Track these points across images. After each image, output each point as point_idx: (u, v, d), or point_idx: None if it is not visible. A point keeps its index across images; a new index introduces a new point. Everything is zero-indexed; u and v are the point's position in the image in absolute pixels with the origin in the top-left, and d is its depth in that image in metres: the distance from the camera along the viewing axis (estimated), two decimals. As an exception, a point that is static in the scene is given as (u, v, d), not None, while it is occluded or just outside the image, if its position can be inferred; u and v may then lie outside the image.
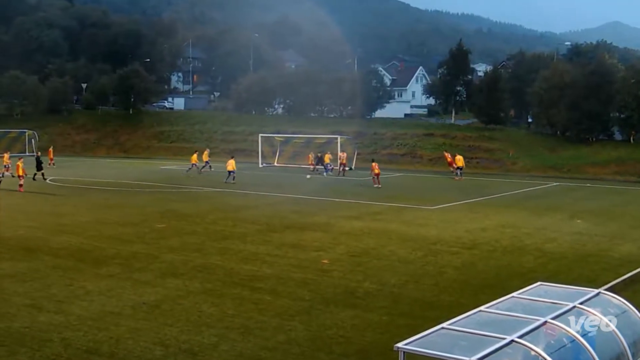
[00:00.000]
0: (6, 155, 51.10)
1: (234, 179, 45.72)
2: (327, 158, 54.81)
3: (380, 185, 43.92)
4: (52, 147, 63.48)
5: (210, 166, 53.73)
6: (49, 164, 55.67)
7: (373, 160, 47.57)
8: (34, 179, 45.15)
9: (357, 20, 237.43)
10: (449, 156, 54.85)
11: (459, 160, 52.07)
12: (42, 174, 46.64)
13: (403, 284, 18.46)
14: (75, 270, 19.58)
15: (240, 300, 16.59)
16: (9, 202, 35.41)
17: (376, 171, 44.61)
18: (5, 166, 49.28)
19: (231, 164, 46.37)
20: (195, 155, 54.58)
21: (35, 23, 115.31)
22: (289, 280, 18.69)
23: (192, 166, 53.12)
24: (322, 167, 55.07)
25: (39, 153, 50.28)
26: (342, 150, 56.61)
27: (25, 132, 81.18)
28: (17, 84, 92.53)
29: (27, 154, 72.79)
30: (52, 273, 19.26)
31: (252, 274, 19.31)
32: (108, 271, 19.54)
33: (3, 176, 44.95)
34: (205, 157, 54.75)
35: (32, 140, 79.67)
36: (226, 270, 19.83)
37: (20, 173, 40.87)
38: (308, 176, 51.68)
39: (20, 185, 40.11)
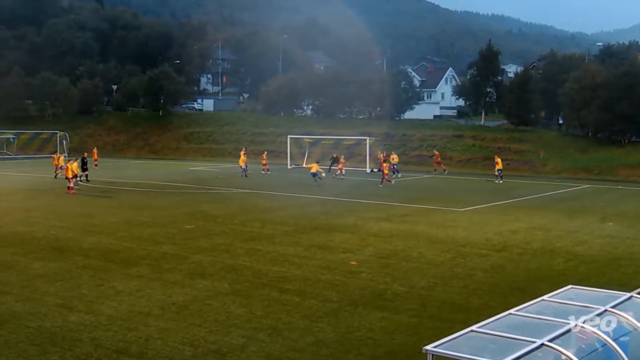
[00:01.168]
0: (61, 157, 51.37)
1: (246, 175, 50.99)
2: (395, 158, 54.22)
3: (382, 186, 44.99)
4: (95, 148, 63.85)
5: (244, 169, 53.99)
6: (94, 166, 56.25)
7: (385, 161, 49.68)
8: (80, 180, 45.57)
9: (387, 21, 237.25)
10: (439, 155, 56.25)
11: (499, 162, 50.98)
12: (86, 176, 47.07)
13: (432, 286, 18.37)
14: (105, 271, 19.73)
15: (269, 302, 16.61)
16: (42, 203, 35.86)
17: (385, 171, 46.68)
18: (60, 167, 49.77)
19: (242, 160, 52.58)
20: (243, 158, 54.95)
21: (67, 25, 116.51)
22: (317, 281, 18.67)
23: (245, 168, 53.52)
24: (334, 168, 55.70)
25: (86, 154, 50.63)
26: (381, 152, 56.36)
27: (56, 133, 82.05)
28: (48, 85, 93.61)
29: (58, 154, 73.63)
30: (82, 273, 19.43)
31: (281, 275, 19.32)
32: (137, 271, 19.66)
33: (56, 177, 45.09)
34: (241, 163, 55.26)
35: (64, 141, 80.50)
36: (254, 271, 19.86)
37: (70, 175, 40.87)
38: (336, 175, 51.80)
39: (69, 188, 39.97)
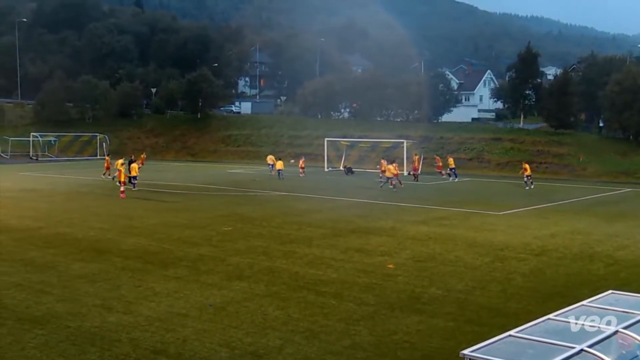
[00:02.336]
0: (119, 161, 51.59)
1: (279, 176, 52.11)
2: (452, 162, 53.85)
3: (395, 189, 44.56)
4: (144, 153, 64.62)
5: (277, 171, 54.48)
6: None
7: (393, 162, 48.73)
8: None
9: (425, 24, 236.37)
10: (440, 160, 55.12)
11: (527, 168, 49.89)
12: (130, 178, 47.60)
13: (469, 290, 18.23)
14: (143, 272, 19.91)
15: (305, 304, 16.62)
16: (82, 205, 36.34)
17: (394, 172, 45.82)
18: (112, 169, 50.45)
19: (279, 164, 54.33)
20: (280, 161, 56.10)
21: (107, 29, 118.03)
22: (354, 284, 18.64)
23: (273, 168, 54.91)
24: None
25: (133, 156, 51.20)
26: (415, 154, 55.96)
27: (96, 135, 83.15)
28: (89, 88, 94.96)
29: (98, 157, 74.68)
30: (121, 274, 19.63)
31: (317, 278, 19.33)
32: (175, 273, 19.81)
33: (114, 179, 45.30)
34: (270, 161, 55.55)
35: (104, 143, 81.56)
36: (291, 273, 19.89)
37: (122, 179, 40.89)
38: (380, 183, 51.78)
39: (122, 192, 39.67)
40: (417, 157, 53.89)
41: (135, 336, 14.11)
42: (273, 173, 55.23)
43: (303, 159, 59.34)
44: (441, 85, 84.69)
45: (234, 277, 19.38)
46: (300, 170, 56.98)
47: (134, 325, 14.81)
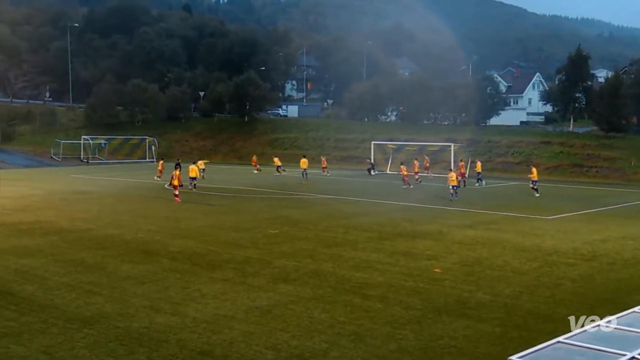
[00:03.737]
0: (199, 163, 52.18)
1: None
2: (479, 166, 53.32)
3: (411, 186, 47.38)
4: (255, 156, 65.95)
5: (302, 171, 56.10)
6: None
7: (402, 164, 51.54)
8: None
9: (473, 26, 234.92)
10: (464, 166, 52.35)
11: (534, 172, 47.61)
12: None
13: (517, 295, 18.01)
14: (191, 274, 20.08)
15: (351, 307, 16.59)
16: (131, 207, 36.83)
17: (404, 173, 48.60)
18: (202, 171, 51.45)
19: (304, 162, 55.74)
20: (305, 159, 57.29)
21: (157, 33, 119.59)
22: (401, 288, 18.56)
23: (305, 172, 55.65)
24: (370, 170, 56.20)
25: (180, 159, 51.83)
26: (461, 160, 55.17)
27: (145, 138, 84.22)
28: (138, 92, 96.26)
29: (147, 159, 75.62)
30: (169, 276, 19.83)
31: (364, 282, 19.29)
32: (222, 275, 19.94)
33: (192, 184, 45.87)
34: (303, 165, 56.88)
35: (152, 146, 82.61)
36: (337, 277, 19.88)
37: (176, 183, 40.57)
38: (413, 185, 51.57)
39: (176, 195, 39.67)
40: (462, 162, 53.36)
41: (183, 337, 14.24)
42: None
43: (324, 158, 60.14)
44: (489, 88, 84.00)
45: (280, 279, 19.44)
46: (323, 169, 57.38)
47: (181, 326, 14.95)
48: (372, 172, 60.12)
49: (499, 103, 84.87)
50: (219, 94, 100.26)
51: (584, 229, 29.68)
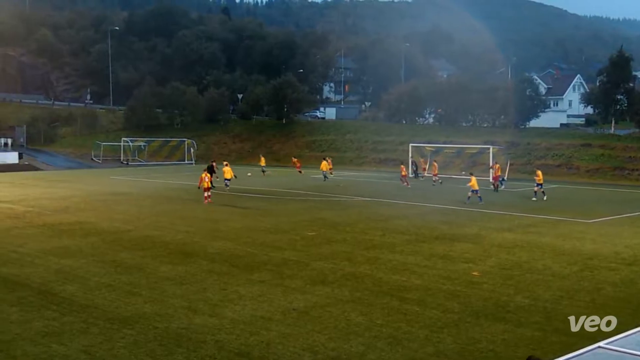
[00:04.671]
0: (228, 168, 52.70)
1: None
2: (499, 169, 52.66)
3: (409, 185, 49.81)
4: (294, 158, 66.66)
5: (322, 173, 56.42)
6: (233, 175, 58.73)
7: (402, 163, 53.99)
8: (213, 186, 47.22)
9: (512, 27, 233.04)
10: (500, 169, 50.44)
11: (540, 175, 46.36)
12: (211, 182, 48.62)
13: (557, 300, 17.80)
14: (229, 275, 20.20)
15: (389, 310, 16.55)
16: (170, 208, 37.16)
17: (403, 173, 50.91)
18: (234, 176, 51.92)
19: (324, 165, 56.25)
20: (325, 162, 57.78)
21: (196, 37, 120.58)
22: (438, 291, 18.47)
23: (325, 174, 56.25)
24: (415, 173, 56.54)
25: (214, 161, 52.26)
26: (496, 163, 54.30)
27: (184, 141, 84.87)
28: (177, 94, 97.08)
29: (186, 162, 76.24)
30: (207, 277, 19.97)
31: (401, 284, 19.23)
32: (260, 277, 20.02)
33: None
34: (325, 167, 57.15)
35: (191, 149, 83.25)
36: (375, 279, 19.84)
37: (206, 185, 40.59)
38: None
39: (206, 197, 39.78)
40: (497, 165, 52.49)
41: (220, 338, 14.33)
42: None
43: (329, 160, 61.45)
44: (529, 90, 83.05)
45: (317, 281, 19.46)
46: (329, 170, 58.68)
47: (219, 327, 15.04)
48: (418, 176, 59.59)
49: (538, 105, 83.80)
50: (257, 96, 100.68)
51: (625, 233, 29.22)
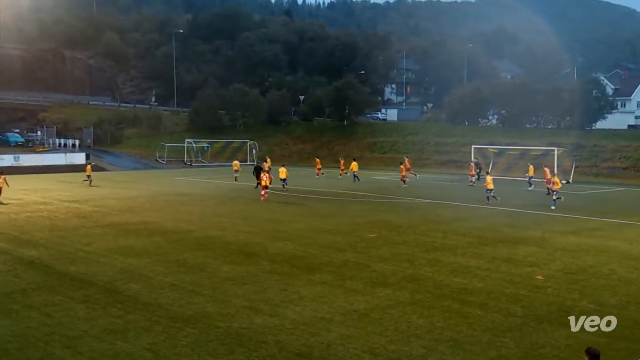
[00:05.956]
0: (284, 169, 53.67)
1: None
2: (532, 170, 51.78)
3: (405, 185, 50.94)
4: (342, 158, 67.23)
5: (352, 174, 56.43)
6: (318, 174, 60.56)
7: (401, 163, 55.51)
8: (256, 187, 47.78)
9: (579, 28, 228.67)
10: (549, 172, 46.61)
11: (557, 182, 44.06)
12: (259, 183, 49.08)
13: (623, 305, 17.38)
14: (289, 276, 20.29)
15: (450, 313, 16.41)
16: (231, 209, 37.51)
17: (403, 173, 52.54)
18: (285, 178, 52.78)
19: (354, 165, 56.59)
20: (355, 163, 58.03)
21: (258, 38, 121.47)
22: (501, 295, 18.22)
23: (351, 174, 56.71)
24: (478, 175, 55.63)
25: (261, 162, 52.98)
26: (546, 165, 52.50)
27: (247, 142, 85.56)
28: (240, 96, 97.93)
29: (248, 163, 76.92)
30: (268, 277, 20.09)
31: (463, 287, 19.04)
32: (320, 278, 20.06)
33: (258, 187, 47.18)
34: (354, 168, 57.14)
35: (253, 150, 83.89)
36: (436, 282, 19.70)
37: (265, 183, 42.58)
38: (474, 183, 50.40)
39: (264, 194, 41.65)
40: (546, 168, 51.18)
41: (281, 339, 14.40)
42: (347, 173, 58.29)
43: (342, 160, 63.65)
44: (595, 91, 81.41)
45: (378, 283, 19.41)
46: (341, 171, 60.51)
47: (280, 327, 15.12)
48: (480, 178, 59.00)
49: (605, 106, 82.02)
50: (318, 97, 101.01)
51: (696, 237, 28.40)
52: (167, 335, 14.66)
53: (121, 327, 15.22)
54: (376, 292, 18.44)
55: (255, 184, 48.50)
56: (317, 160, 65.31)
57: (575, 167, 58.64)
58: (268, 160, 62.06)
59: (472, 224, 31.52)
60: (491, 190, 40.25)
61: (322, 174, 60.89)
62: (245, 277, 20.12)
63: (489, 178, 41.48)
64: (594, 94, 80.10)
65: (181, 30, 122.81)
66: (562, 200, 38.47)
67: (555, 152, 57.42)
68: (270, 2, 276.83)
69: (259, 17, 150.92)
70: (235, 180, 55.93)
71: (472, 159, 61.27)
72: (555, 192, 38.41)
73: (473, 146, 64.49)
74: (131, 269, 21.11)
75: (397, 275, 20.39)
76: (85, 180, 51.62)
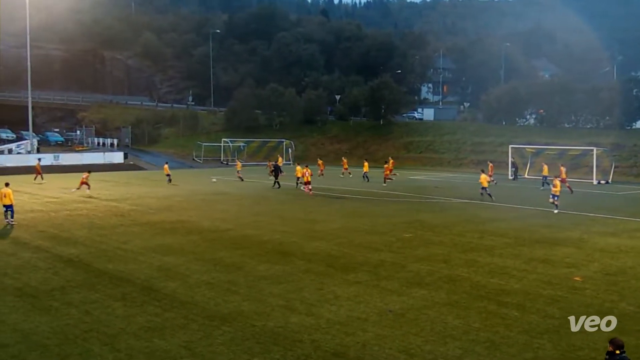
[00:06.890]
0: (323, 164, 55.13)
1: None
2: (546, 169, 51.12)
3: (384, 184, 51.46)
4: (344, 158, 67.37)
5: (363, 174, 56.99)
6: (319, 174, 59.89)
7: (386, 162, 56.35)
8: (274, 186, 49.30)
9: (618, 26, 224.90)
10: (564, 172, 47.36)
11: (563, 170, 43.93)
12: (278, 182, 49.82)
13: (664, 308, 17.14)
14: (325, 275, 20.31)
15: (486, 314, 16.30)
16: (268, 208, 37.63)
17: (386, 172, 53.82)
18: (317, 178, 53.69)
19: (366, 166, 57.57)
20: (366, 163, 59.26)
21: (294, 38, 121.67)
22: (538, 296, 18.06)
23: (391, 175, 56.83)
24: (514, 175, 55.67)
25: (294, 162, 53.30)
26: (561, 165, 51.68)
27: (283, 141, 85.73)
28: (276, 96, 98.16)
29: (284, 162, 77.02)
30: (304, 277, 20.14)
31: (499, 288, 18.91)
32: (356, 278, 20.05)
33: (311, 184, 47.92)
34: (365, 168, 57.88)
35: (289, 149, 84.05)
36: (472, 282, 19.58)
37: (306, 180, 45.45)
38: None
39: (310, 190, 44.58)
40: (562, 167, 50.29)
41: (316, 338, 14.43)
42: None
43: (345, 160, 64.53)
44: (635, 90, 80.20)
45: (414, 284, 19.35)
46: (343, 170, 61.37)
47: (315, 327, 15.15)
48: (517, 177, 58.56)
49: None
50: (354, 97, 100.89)
51: None
52: (204, 333, 14.78)
53: (158, 324, 15.37)
54: (412, 292, 18.39)
55: (273, 183, 50.11)
56: (345, 160, 65.28)
57: (615, 167, 57.81)
58: (280, 159, 64.18)
59: (509, 225, 31.28)
60: (485, 188, 41.35)
61: (349, 173, 60.78)
62: (281, 276, 20.19)
63: (483, 176, 42.51)
64: (634, 93, 78.91)
65: (218, 31, 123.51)
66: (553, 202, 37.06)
67: (594, 152, 56.71)
68: (307, 2, 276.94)
69: (295, 17, 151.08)
70: (241, 180, 56.04)
71: (510, 158, 60.79)
72: (553, 196, 36.84)
73: (510, 146, 63.93)
74: (168, 267, 21.31)
75: (433, 276, 20.32)
76: (169, 179, 52.85)
